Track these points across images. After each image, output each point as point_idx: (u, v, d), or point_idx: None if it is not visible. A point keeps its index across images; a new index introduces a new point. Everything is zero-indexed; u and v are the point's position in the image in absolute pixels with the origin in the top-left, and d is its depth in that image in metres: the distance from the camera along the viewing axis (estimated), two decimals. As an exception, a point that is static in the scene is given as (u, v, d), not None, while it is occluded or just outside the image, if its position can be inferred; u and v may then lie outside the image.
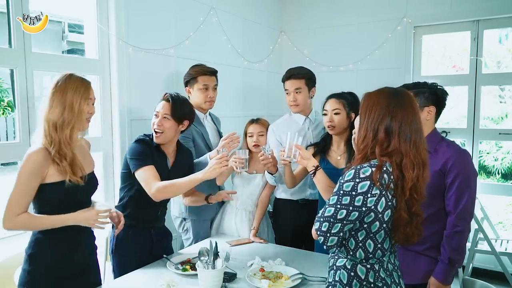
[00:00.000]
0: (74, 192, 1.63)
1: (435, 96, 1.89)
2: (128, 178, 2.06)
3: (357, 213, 1.34)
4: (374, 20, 3.97)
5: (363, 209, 1.33)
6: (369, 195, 1.32)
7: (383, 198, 1.34)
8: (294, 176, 2.25)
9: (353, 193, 1.33)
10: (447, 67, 4.96)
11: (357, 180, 1.33)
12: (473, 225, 3.40)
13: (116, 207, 2.09)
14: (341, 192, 1.35)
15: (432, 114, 1.89)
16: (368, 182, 1.32)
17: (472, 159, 3.66)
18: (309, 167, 1.92)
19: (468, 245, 3.45)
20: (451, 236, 1.79)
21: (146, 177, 1.95)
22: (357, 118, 1.51)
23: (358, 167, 1.36)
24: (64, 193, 1.61)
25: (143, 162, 1.97)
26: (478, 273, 3.53)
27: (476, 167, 3.75)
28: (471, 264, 3.43)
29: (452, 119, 5.22)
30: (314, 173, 1.89)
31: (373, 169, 1.34)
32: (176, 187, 1.94)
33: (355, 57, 4.08)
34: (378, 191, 1.33)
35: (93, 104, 1.72)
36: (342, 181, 1.37)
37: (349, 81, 4.02)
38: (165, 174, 2.05)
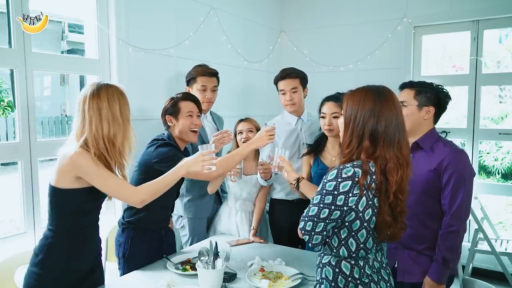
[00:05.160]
0: (96, 197, 1.68)
1: (437, 98, 1.89)
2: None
3: (339, 212, 1.35)
4: (374, 20, 3.97)
5: (345, 208, 1.35)
6: (350, 194, 1.34)
7: (364, 198, 1.35)
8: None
9: (335, 192, 1.34)
10: (447, 67, 4.96)
11: (339, 180, 1.34)
12: (473, 225, 3.40)
13: (126, 209, 2.08)
14: (324, 191, 1.37)
15: (431, 114, 1.89)
16: (350, 182, 1.34)
17: (472, 159, 3.67)
18: (290, 180, 2.00)
19: (468, 245, 3.45)
20: (445, 236, 1.78)
21: None
22: (341, 119, 1.50)
23: (341, 167, 1.38)
24: (86, 198, 1.63)
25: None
26: (478, 273, 3.53)
27: (476, 167, 3.75)
28: (471, 264, 3.42)
29: (452, 119, 5.22)
30: (298, 186, 1.98)
31: (356, 169, 1.35)
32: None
33: (355, 57, 4.08)
34: (359, 191, 1.34)
35: None
36: (325, 180, 1.39)
37: (349, 81, 4.01)
38: None
